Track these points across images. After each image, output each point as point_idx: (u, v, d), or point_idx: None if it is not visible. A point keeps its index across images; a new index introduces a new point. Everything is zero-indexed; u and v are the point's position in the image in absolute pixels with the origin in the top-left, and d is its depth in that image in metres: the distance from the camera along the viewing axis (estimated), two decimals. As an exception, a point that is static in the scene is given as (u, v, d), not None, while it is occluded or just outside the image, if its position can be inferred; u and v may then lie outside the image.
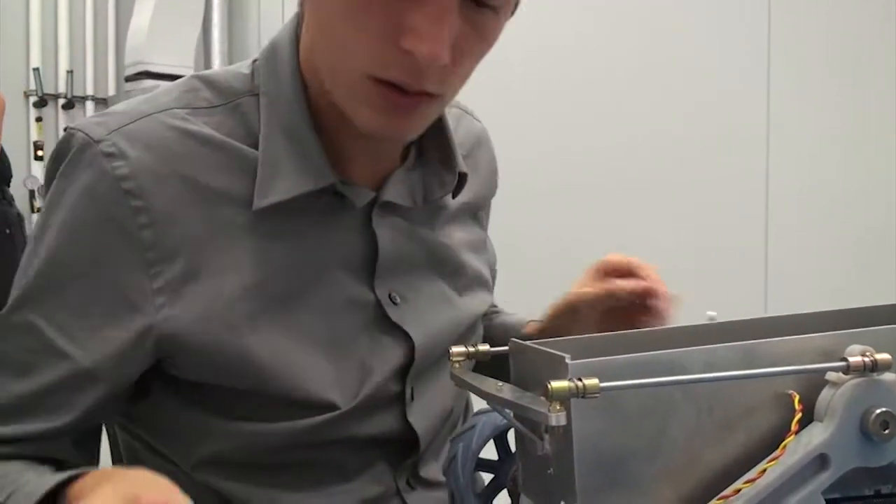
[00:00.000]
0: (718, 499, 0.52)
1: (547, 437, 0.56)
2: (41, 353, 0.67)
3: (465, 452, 0.70)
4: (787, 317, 0.63)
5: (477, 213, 0.88)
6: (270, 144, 0.71)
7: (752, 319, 0.63)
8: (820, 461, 0.52)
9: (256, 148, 0.71)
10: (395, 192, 0.76)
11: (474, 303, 0.85)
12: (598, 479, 0.53)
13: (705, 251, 2.65)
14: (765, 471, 0.51)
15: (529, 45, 2.43)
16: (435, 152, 0.78)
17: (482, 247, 0.89)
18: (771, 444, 0.54)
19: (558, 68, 2.57)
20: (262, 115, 0.72)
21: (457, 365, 0.63)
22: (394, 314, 0.76)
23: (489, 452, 0.73)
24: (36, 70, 2.76)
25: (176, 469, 0.75)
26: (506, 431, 0.71)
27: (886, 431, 0.51)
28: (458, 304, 0.82)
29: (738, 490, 0.51)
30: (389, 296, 0.76)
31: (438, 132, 0.77)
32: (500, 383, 0.58)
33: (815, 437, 0.52)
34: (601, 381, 0.50)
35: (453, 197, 0.80)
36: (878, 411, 0.51)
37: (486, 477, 0.74)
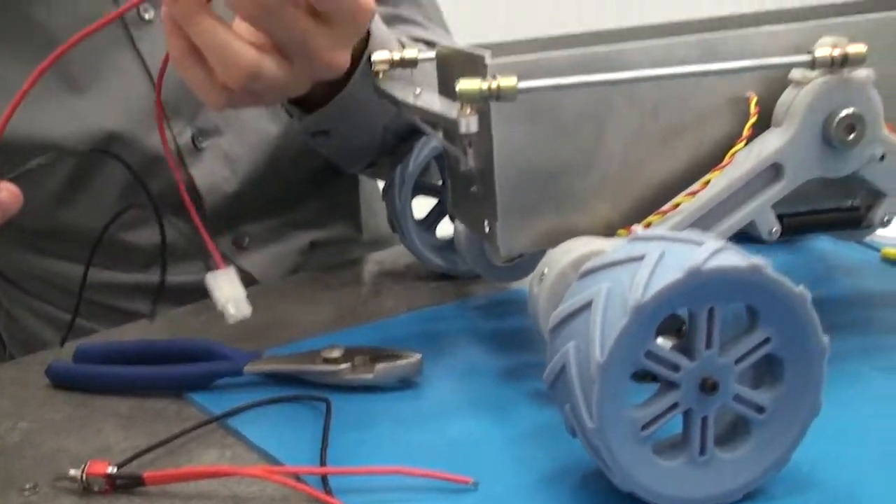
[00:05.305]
0: (656, 213, 0.46)
1: (471, 151, 0.50)
2: None
3: (401, 175, 0.64)
4: (766, 13, 0.55)
5: None
6: None
7: (717, 17, 0.54)
8: (773, 171, 0.45)
9: None
10: None
11: None
12: (523, 196, 0.47)
13: None
14: (709, 182, 0.45)
15: None
16: None
17: None
18: (722, 155, 0.47)
19: None
20: None
21: (380, 74, 0.55)
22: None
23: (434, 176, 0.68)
24: None
25: None
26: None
27: (851, 137, 0.44)
28: None
29: (678, 205, 0.45)
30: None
31: None
32: (420, 90, 0.50)
33: (770, 143, 0.45)
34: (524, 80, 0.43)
35: None
36: (843, 113, 0.44)
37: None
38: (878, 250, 0.64)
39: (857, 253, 0.64)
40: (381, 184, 0.72)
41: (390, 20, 0.71)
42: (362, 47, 0.57)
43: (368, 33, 0.57)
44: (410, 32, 0.72)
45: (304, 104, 0.61)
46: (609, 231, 0.48)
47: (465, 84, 0.42)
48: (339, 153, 0.69)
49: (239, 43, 0.46)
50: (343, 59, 0.50)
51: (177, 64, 0.48)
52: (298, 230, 0.78)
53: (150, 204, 0.66)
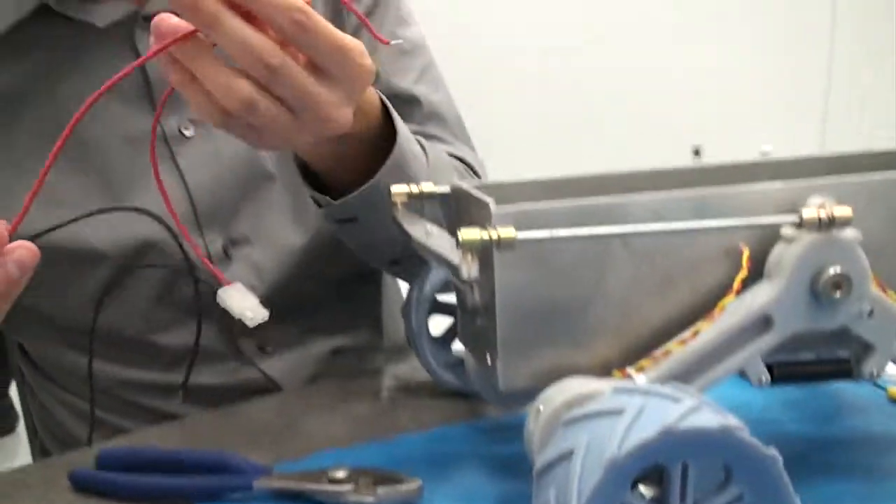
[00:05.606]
0: (648, 359, 0.48)
1: (476, 287, 0.52)
2: None
3: (417, 297, 0.67)
4: (758, 163, 0.57)
5: None
6: None
7: (711, 167, 0.57)
8: (763, 323, 0.47)
9: None
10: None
11: None
12: (522, 333, 0.49)
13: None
14: (698, 332, 0.47)
15: None
16: None
17: None
18: (717, 301, 0.49)
19: None
20: None
21: (398, 206, 0.59)
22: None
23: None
24: None
25: None
26: (465, 275, 0.68)
27: (838, 294, 0.46)
28: None
29: (669, 352, 0.47)
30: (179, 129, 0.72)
31: None
32: (430, 227, 0.54)
33: (760, 296, 0.47)
34: (526, 229, 0.45)
35: None
36: (831, 271, 0.46)
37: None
38: (885, 389, 0.64)
39: (864, 391, 0.65)
40: (404, 290, 0.75)
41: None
42: (391, 143, 0.62)
43: (396, 138, 0.62)
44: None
45: (333, 192, 0.65)
46: (606, 369, 0.50)
47: (466, 234, 0.45)
48: (366, 245, 0.72)
49: (239, 80, 0.49)
50: (345, 116, 0.52)
51: (178, 86, 0.51)
52: (322, 336, 0.81)
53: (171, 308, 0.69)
